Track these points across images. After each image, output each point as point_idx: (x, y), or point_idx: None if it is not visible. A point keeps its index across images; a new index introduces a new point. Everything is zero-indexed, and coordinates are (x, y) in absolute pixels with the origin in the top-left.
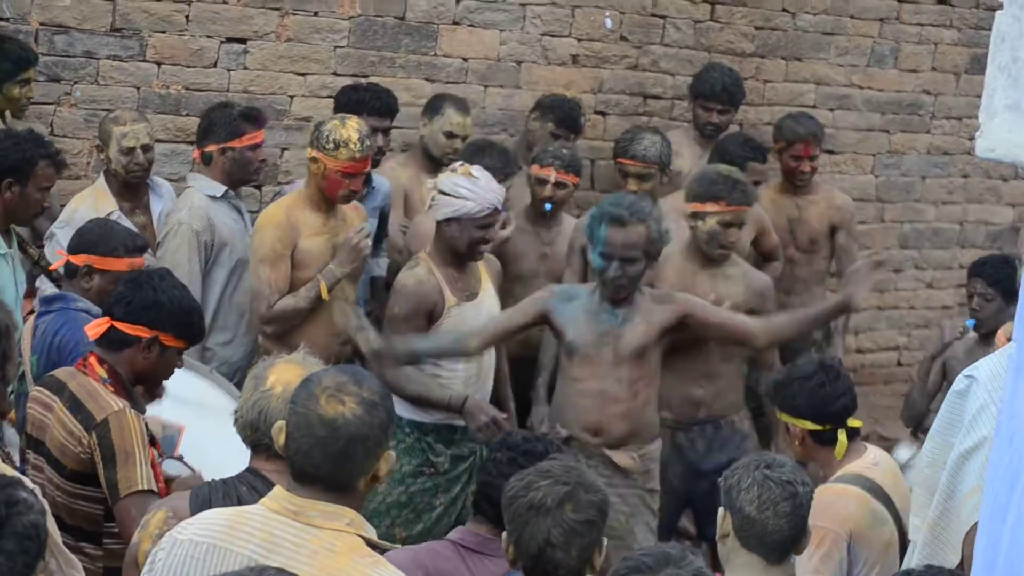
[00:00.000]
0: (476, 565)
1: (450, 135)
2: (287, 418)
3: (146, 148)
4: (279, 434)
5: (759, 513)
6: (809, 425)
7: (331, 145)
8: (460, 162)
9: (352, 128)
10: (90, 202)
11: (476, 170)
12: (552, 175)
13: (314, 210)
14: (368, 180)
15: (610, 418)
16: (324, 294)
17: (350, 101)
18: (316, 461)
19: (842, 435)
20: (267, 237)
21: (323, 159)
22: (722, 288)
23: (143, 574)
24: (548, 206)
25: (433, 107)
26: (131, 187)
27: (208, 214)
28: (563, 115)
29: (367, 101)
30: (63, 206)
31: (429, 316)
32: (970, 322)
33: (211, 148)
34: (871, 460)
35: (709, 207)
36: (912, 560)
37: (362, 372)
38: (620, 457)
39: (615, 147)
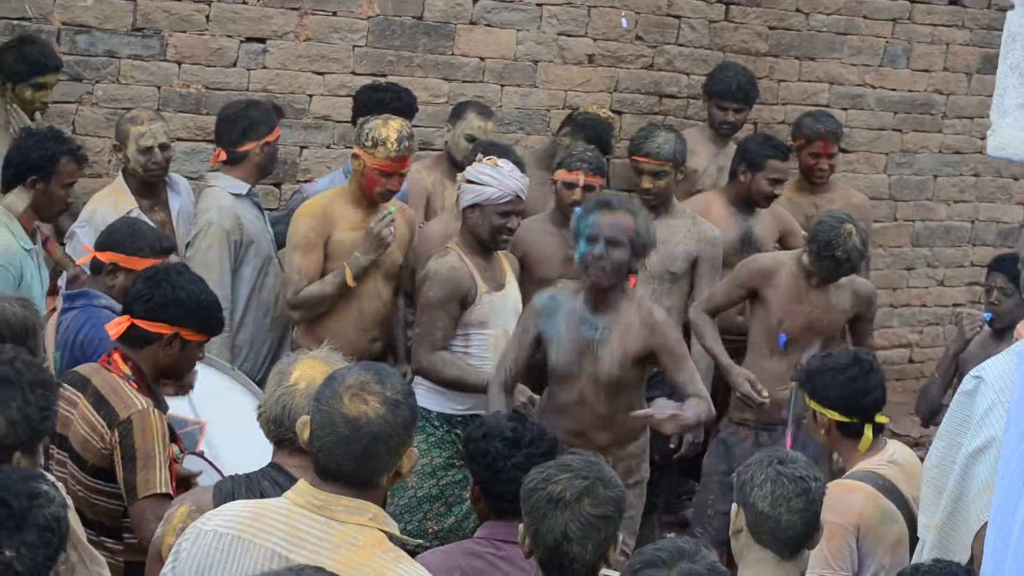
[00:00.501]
0: (511, 562)
1: (471, 139)
2: (311, 415)
3: (164, 147)
4: (303, 429)
5: (772, 509)
6: (837, 416)
7: (369, 143)
8: (489, 157)
9: (393, 128)
10: (110, 201)
11: (502, 161)
12: (580, 178)
13: (354, 205)
14: None
15: (591, 428)
16: (349, 280)
17: (370, 101)
18: (339, 459)
19: (868, 430)
20: (301, 225)
21: (363, 156)
22: (833, 297)
23: (168, 564)
24: (578, 210)
25: (456, 113)
26: (150, 185)
27: (236, 212)
28: (595, 136)
29: (387, 101)
30: (84, 204)
31: (462, 302)
32: (987, 315)
33: (250, 146)
34: (888, 457)
35: None
36: (921, 559)
37: (386, 370)
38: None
39: (630, 144)
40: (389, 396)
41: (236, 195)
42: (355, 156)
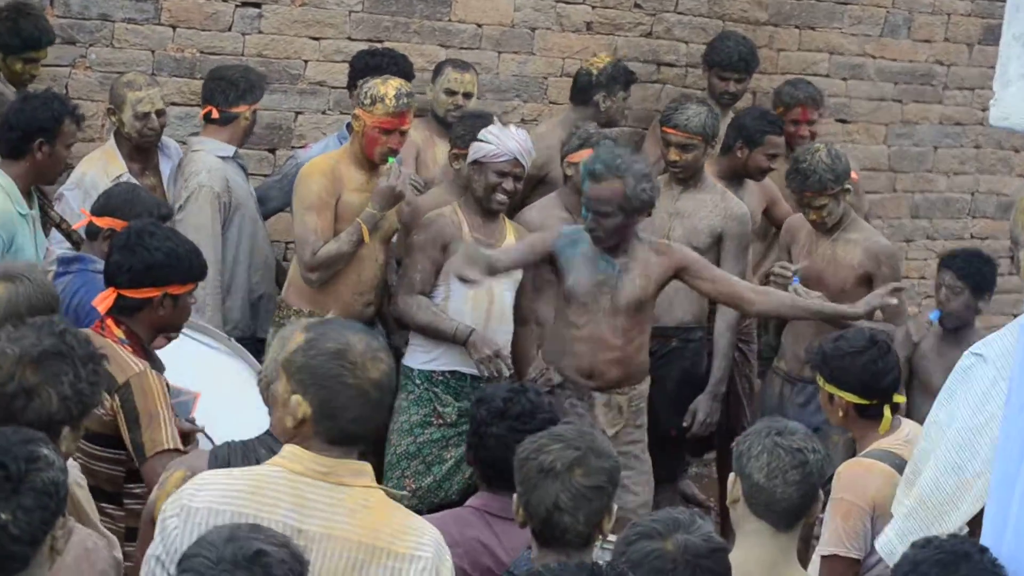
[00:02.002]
0: (503, 532)
1: (450, 92)
2: (325, 394)
3: (160, 113)
4: (299, 408)
5: (768, 480)
6: (856, 399)
7: (368, 100)
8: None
9: (391, 85)
10: (100, 165)
11: (512, 126)
12: None
13: (357, 167)
14: None
15: (604, 363)
16: (366, 236)
17: (366, 66)
18: (369, 424)
19: (887, 411)
20: (313, 185)
21: (362, 115)
22: (840, 252)
23: (156, 545)
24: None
25: (435, 71)
26: (142, 150)
27: (225, 175)
28: (626, 75)
29: (383, 66)
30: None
31: (444, 248)
32: (934, 315)
33: (243, 109)
34: (904, 437)
35: None
36: (890, 531)
37: (358, 324)
38: (615, 401)
39: (661, 115)
40: (382, 344)
41: (223, 158)
42: (355, 117)
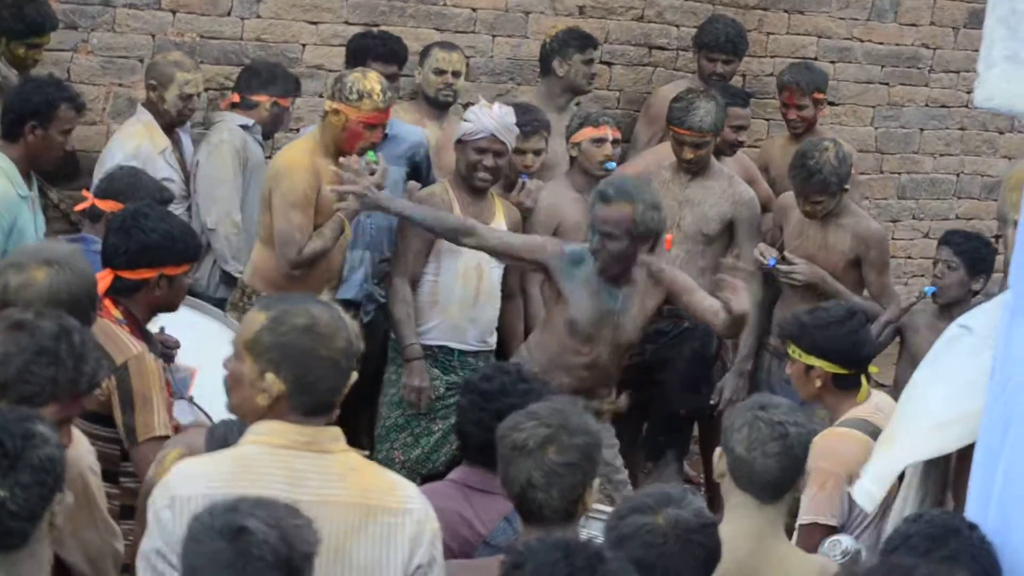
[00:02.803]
0: (480, 504)
1: (439, 71)
2: (301, 370)
3: (198, 96)
4: (274, 385)
5: (747, 453)
6: (835, 368)
7: (354, 96)
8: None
9: (374, 79)
10: (147, 139)
11: (497, 105)
12: (608, 133)
13: (331, 159)
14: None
15: (600, 384)
16: (347, 231)
17: (359, 48)
18: (340, 392)
19: (864, 380)
20: (299, 183)
21: (345, 110)
22: (831, 237)
23: (153, 538)
24: (611, 165)
25: (423, 54)
26: (169, 126)
27: (245, 137)
28: (581, 39)
29: (373, 47)
30: (77, 150)
31: None
32: (928, 289)
33: (263, 98)
34: (874, 406)
35: None
36: (864, 476)
37: (313, 297)
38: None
39: (669, 114)
40: (340, 312)
41: (243, 127)
42: (335, 112)
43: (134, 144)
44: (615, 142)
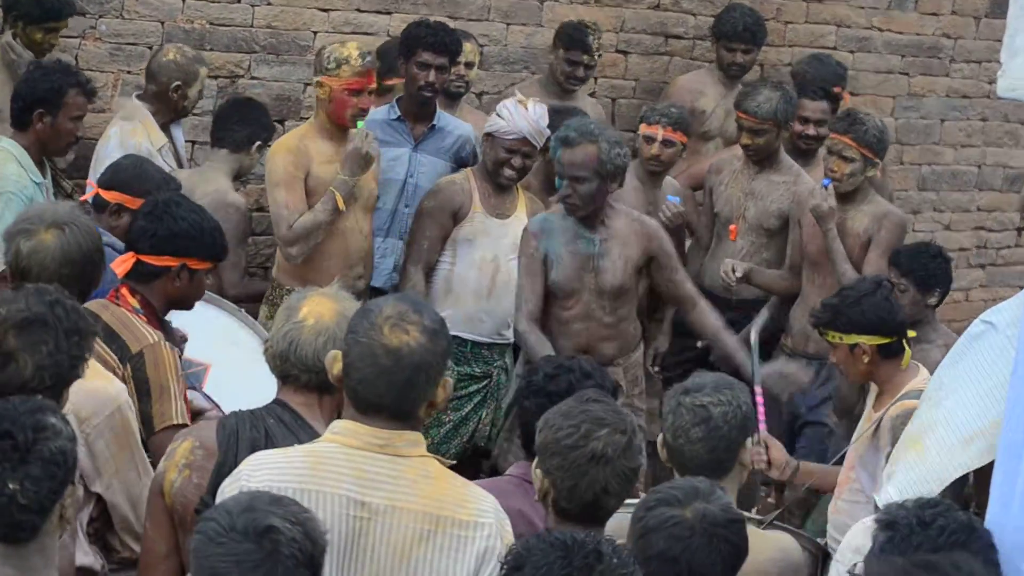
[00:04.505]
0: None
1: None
2: (346, 349)
3: None
4: (334, 363)
5: (674, 440)
6: (879, 340)
7: (332, 64)
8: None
9: (352, 47)
10: (145, 136)
11: (531, 103)
12: (659, 133)
13: (325, 138)
14: (430, 118)
15: (597, 340)
16: (340, 204)
17: (410, 36)
18: (381, 391)
19: (907, 345)
20: (280, 162)
21: (327, 81)
22: (849, 221)
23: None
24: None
25: None
26: (173, 121)
27: None
28: (567, 38)
29: (424, 37)
30: (81, 137)
31: (454, 216)
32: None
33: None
34: (926, 376)
35: None
36: (891, 487)
37: (420, 301)
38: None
39: (736, 97)
40: (427, 325)
41: None
42: (319, 85)
43: (134, 143)
44: (667, 143)
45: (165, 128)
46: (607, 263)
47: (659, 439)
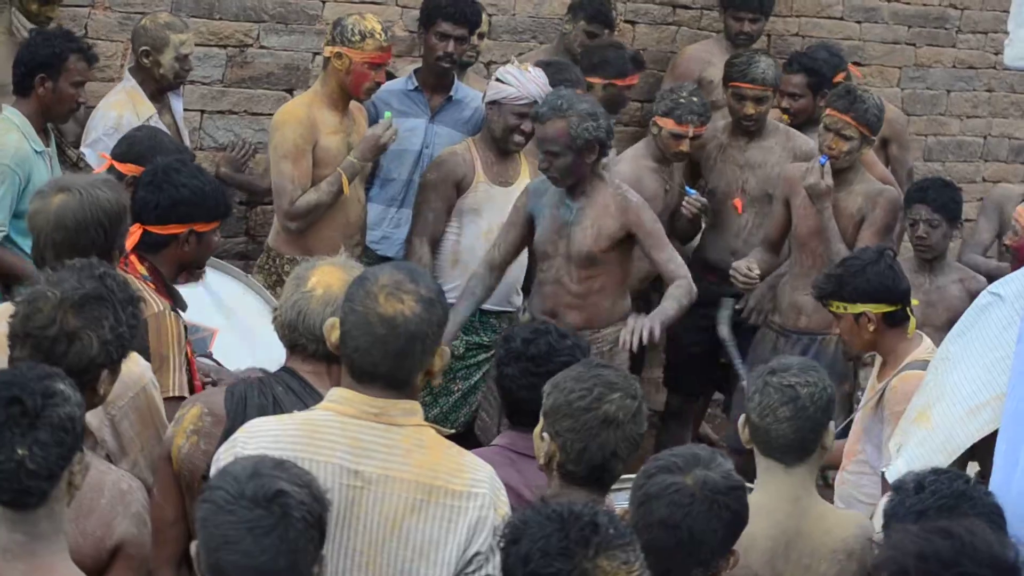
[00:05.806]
0: (526, 469)
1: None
2: (343, 317)
3: (191, 55)
4: (331, 331)
5: (761, 420)
6: (885, 308)
7: (357, 37)
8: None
9: (373, 20)
10: (130, 108)
11: (532, 67)
12: (690, 131)
13: (331, 109)
14: (448, 89)
15: (563, 307)
16: (346, 187)
17: (430, 7)
18: (376, 359)
19: (911, 313)
20: (289, 133)
21: (349, 53)
22: (842, 201)
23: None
24: (824, 159)
25: None
26: (161, 90)
27: None
28: (593, 11)
29: (444, 7)
30: (83, 103)
31: (457, 186)
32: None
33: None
34: (929, 347)
35: None
36: (900, 461)
37: (417, 269)
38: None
39: (728, 71)
40: (423, 294)
41: None
42: (337, 56)
43: (115, 115)
44: (695, 138)
45: (157, 98)
46: (578, 230)
47: (741, 419)
